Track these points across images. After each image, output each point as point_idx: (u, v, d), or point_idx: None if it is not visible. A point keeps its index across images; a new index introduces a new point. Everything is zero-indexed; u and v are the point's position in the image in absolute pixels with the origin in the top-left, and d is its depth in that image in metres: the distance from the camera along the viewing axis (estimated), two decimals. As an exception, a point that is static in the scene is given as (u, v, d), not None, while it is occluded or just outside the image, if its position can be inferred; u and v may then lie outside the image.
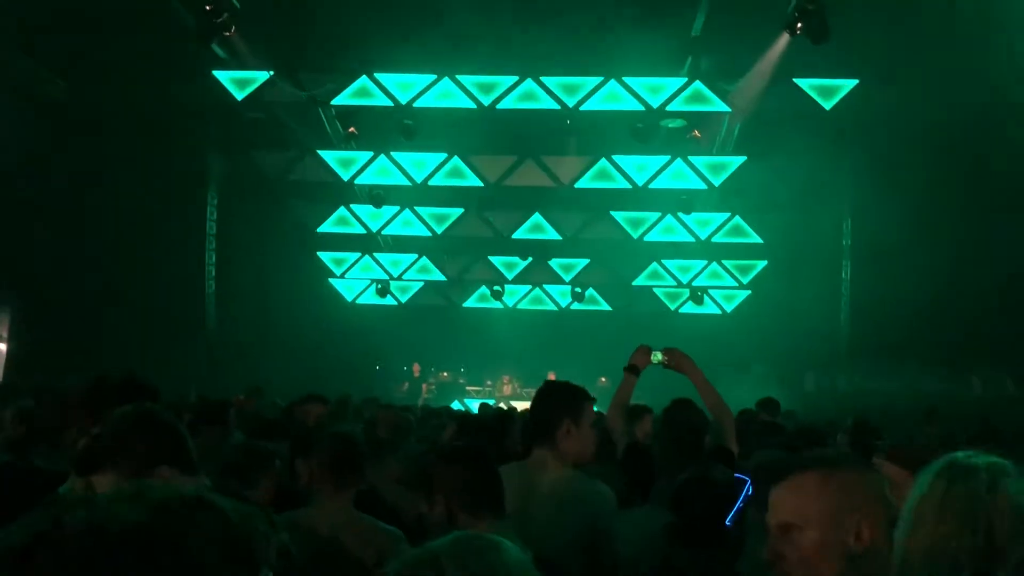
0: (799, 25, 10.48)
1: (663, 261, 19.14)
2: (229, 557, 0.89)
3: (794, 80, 13.28)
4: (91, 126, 13.74)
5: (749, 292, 18.98)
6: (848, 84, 13.24)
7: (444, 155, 16.02)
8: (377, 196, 16.95)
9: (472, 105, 13.98)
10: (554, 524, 2.95)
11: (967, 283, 13.56)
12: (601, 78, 13.74)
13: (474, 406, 13.26)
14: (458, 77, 13.86)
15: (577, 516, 3.07)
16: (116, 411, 2.47)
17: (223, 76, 13.67)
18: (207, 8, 11.19)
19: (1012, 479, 2.03)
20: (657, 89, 13.81)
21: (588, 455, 3.34)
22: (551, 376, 18.45)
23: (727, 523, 2.83)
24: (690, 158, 15.75)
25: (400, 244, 19.41)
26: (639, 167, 16.00)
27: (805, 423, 7.18)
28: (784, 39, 11.42)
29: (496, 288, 19.47)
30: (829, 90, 13.41)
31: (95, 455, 2.37)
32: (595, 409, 3.49)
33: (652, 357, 4.39)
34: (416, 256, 19.59)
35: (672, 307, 19.90)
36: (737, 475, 2.98)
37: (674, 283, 19.53)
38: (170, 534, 0.87)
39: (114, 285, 14.55)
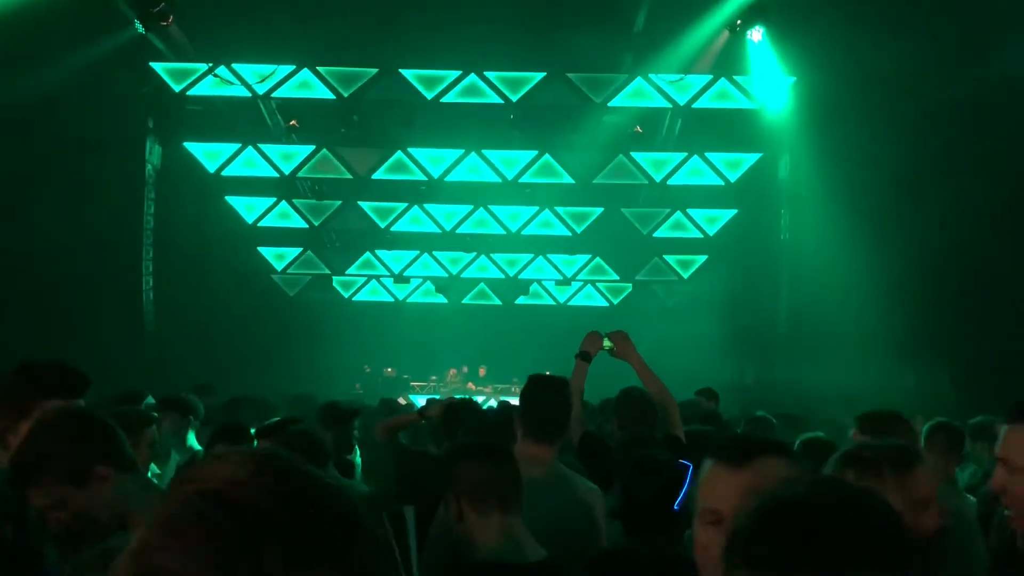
0: (738, 23, 10.66)
1: (604, 256, 19.31)
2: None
3: (733, 77, 13.51)
4: (22, 117, 13.34)
5: (690, 286, 19.24)
6: (786, 81, 13.51)
7: (387, 149, 15.92)
8: (319, 190, 16.80)
9: (415, 99, 13.94)
10: None
11: (904, 278, 13.90)
12: (544, 73, 13.79)
13: (419, 402, 13.21)
14: (401, 71, 13.80)
15: None
16: (37, 419, 2.39)
17: (160, 68, 13.42)
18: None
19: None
20: (599, 85, 13.91)
21: None
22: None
23: (676, 508, 2.84)
24: (632, 154, 15.89)
25: (342, 239, 19.26)
26: (582, 163, 16.09)
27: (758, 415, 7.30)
28: (724, 37, 11.62)
29: (440, 283, 19.47)
30: (767, 85, 13.67)
31: (25, 468, 2.29)
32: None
33: (603, 343, 4.43)
34: (359, 251, 19.46)
35: (615, 301, 20.10)
36: (681, 460, 3.00)
37: (616, 277, 19.72)
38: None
39: (46, 283, 14.16)
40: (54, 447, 2.28)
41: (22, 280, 13.74)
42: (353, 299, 20.26)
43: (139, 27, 11.19)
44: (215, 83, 13.64)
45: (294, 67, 13.70)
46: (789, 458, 1.80)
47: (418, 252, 19.31)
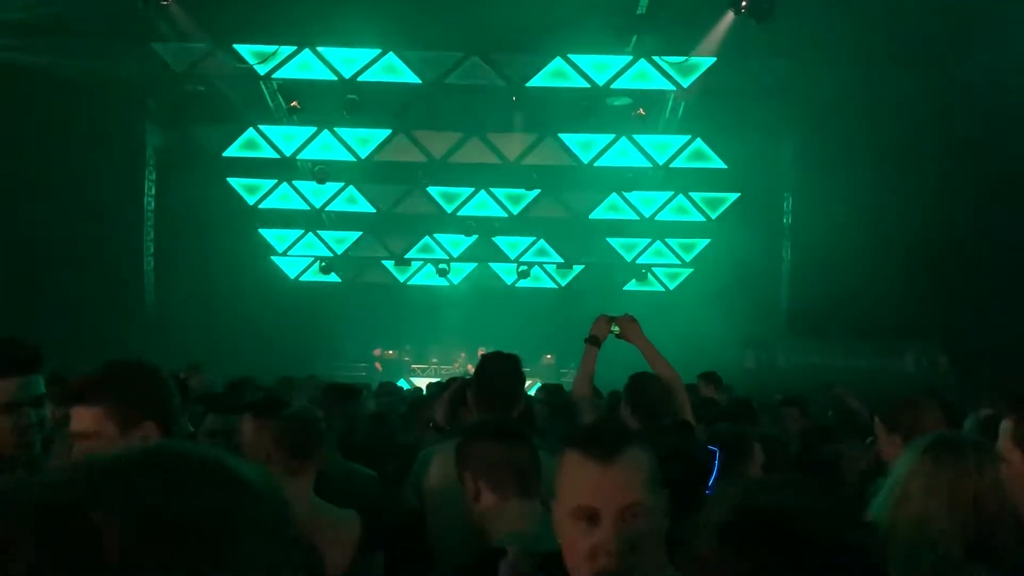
0: (743, 3, 10.57)
1: (608, 239, 19.27)
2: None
3: (737, 59, 13.41)
4: (24, 94, 13.28)
5: (692, 270, 19.22)
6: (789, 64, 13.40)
7: (389, 131, 15.85)
8: (320, 172, 16.74)
9: (418, 80, 13.85)
10: None
11: (904, 262, 13.89)
12: (546, 54, 13.71)
13: (420, 384, 13.22)
14: (403, 52, 13.71)
15: None
16: (125, 361, 2.37)
17: (162, 48, 13.33)
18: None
19: (996, 458, 2.16)
20: (603, 67, 13.82)
21: None
22: (480, 352, 18.52)
23: (708, 492, 2.83)
24: (635, 136, 15.82)
25: (344, 221, 19.22)
26: (584, 145, 16.03)
27: (740, 397, 7.30)
28: (728, 17, 11.52)
29: (441, 266, 19.42)
30: (770, 69, 13.57)
31: (89, 387, 2.26)
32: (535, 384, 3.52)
33: (611, 328, 4.35)
34: (360, 233, 19.41)
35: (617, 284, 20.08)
36: (709, 446, 3.01)
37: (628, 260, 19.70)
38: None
39: (48, 261, 14.15)
40: (122, 385, 2.28)
41: (22, 258, 13.73)
42: (354, 281, 20.23)
43: (140, 4, 11.09)
44: (216, 63, 13.55)
45: (295, 47, 13.62)
46: (649, 449, 1.84)
47: (419, 234, 19.28)
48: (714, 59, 13.37)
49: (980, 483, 2.10)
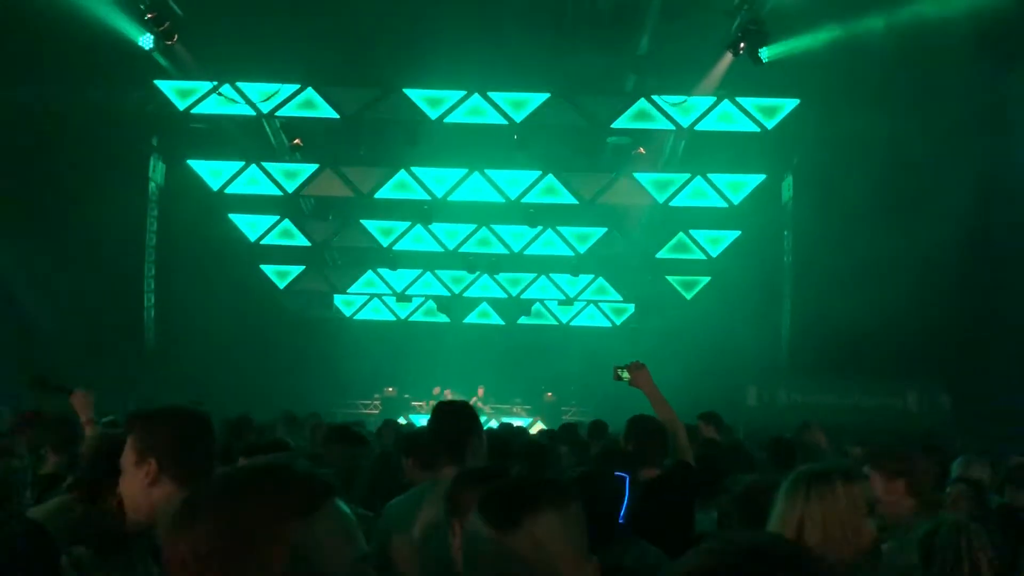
0: (742, 45, 10.69)
1: (608, 276, 19.29)
2: None
3: (737, 99, 13.52)
4: (26, 133, 13.37)
5: (693, 307, 19.17)
6: (789, 103, 13.51)
7: (390, 168, 15.93)
8: (322, 209, 16.80)
9: (420, 118, 13.96)
10: None
11: (905, 301, 13.87)
12: (548, 94, 13.83)
13: (419, 421, 13.14)
14: (405, 91, 13.83)
15: None
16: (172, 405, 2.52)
17: (165, 86, 13.46)
18: (148, 16, 11.06)
19: (830, 484, 2.33)
20: (603, 106, 13.94)
21: None
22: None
23: (620, 520, 2.86)
24: (635, 175, 15.89)
25: (345, 257, 19.24)
26: (585, 182, 16.09)
27: (734, 440, 7.26)
28: (727, 59, 11.64)
29: (442, 302, 19.44)
30: (771, 109, 13.68)
31: (129, 417, 2.44)
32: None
33: (621, 375, 4.49)
34: (361, 270, 19.44)
35: (618, 322, 20.05)
36: (617, 473, 3.04)
37: (619, 297, 19.67)
38: None
39: (48, 296, 14.15)
40: (146, 423, 2.38)
41: (21, 292, 13.72)
42: (355, 318, 20.22)
43: (146, 42, 11.22)
44: (219, 101, 13.67)
45: (298, 86, 13.74)
46: (566, 509, 1.63)
47: (420, 271, 19.29)
48: (713, 98, 13.49)
49: (850, 507, 2.27)
